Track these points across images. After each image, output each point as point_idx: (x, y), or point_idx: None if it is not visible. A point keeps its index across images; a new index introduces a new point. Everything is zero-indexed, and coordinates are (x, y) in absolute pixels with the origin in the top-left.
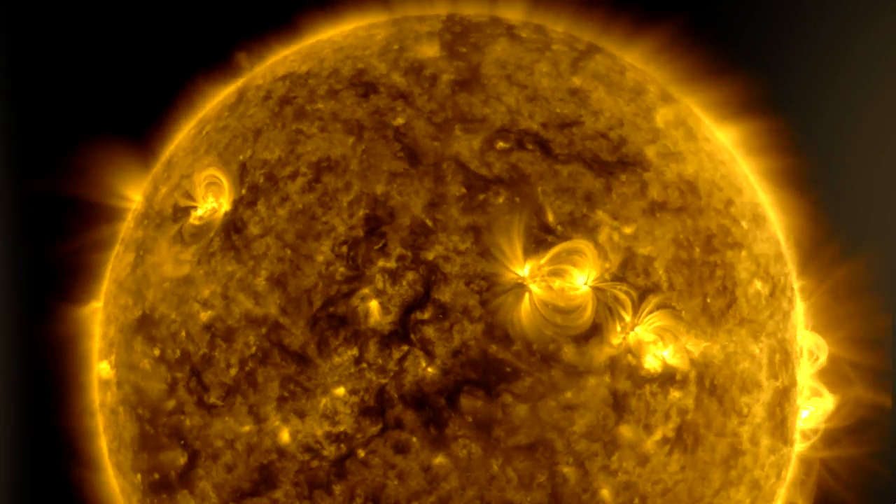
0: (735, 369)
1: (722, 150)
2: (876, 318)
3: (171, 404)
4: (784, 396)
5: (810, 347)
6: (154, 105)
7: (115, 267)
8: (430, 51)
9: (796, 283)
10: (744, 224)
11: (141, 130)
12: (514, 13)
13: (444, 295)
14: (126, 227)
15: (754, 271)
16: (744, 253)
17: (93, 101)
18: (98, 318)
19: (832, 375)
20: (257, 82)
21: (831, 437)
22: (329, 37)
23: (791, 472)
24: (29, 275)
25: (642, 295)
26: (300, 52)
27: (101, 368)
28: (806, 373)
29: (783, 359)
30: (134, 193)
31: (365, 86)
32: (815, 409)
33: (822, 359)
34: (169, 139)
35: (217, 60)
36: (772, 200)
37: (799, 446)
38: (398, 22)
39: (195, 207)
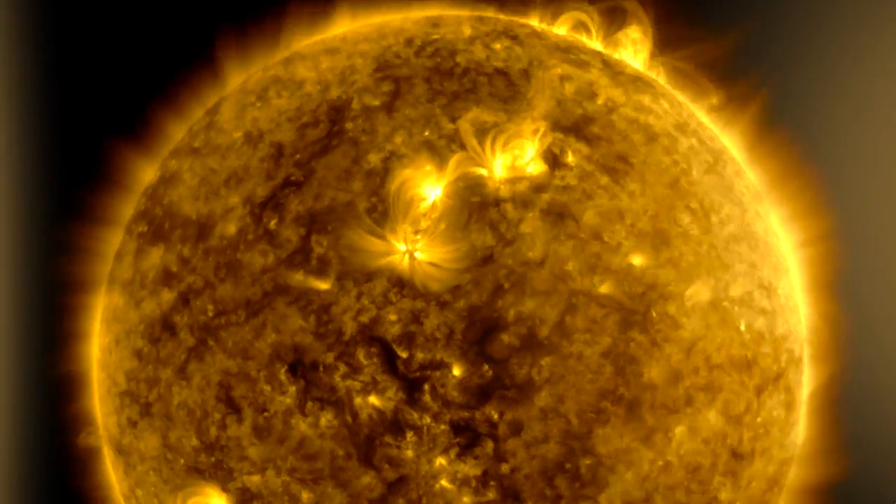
0: (570, 96)
1: (338, 37)
2: None
3: None
4: (609, 66)
5: (575, 25)
6: None
7: None
8: (154, 257)
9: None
10: (433, 36)
11: None
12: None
13: (390, 330)
14: None
15: (483, 43)
16: (462, 44)
17: None
18: None
19: (610, 19)
20: (113, 434)
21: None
22: (98, 345)
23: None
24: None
25: (467, 150)
26: (102, 385)
27: None
28: (597, 41)
29: (575, 51)
30: None
31: (164, 329)
32: (633, 51)
33: (591, 19)
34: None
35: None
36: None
37: (659, 78)
38: (113, 280)
39: None
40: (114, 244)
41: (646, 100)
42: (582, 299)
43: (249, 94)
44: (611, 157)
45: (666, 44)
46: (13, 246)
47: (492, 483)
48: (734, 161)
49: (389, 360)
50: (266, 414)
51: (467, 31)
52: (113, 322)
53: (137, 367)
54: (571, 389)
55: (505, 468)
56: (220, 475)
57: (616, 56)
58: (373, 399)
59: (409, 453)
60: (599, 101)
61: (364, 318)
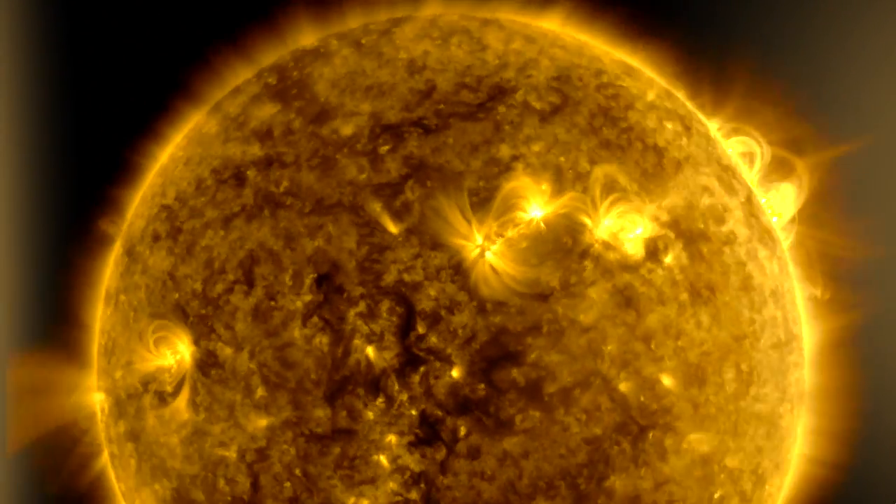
0: (702, 208)
1: (559, 36)
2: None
3: None
4: (750, 205)
5: (744, 152)
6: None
7: (119, 469)
8: (265, 111)
9: (693, 106)
10: (623, 83)
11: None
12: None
13: (424, 301)
14: (107, 427)
15: (659, 116)
16: (640, 105)
17: None
18: None
19: (776, 166)
20: (135, 233)
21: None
22: (169, 156)
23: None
24: None
25: (587, 194)
26: (153, 185)
27: None
28: (754, 176)
29: (730, 175)
30: (90, 396)
31: (234, 176)
32: (777, 205)
33: (761, 156)
34: (85, 329)
35: (83, 233)
36: (628, 51)
37: (785, 242)
38: (219, 108)
39: (162, 369)
40: (238, 78)
41: (762, 253)
42: (599, 383)
43: (435, 28)
44: (702, 281)
45: (810, 217)
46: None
47: (422, 486)
48: (801, 353)
49: (405, 327)
50: (273, 303)
51: (651, 96)
52: (195, 142)
53: (191, 193)
54: (541, 452)
55: (441, 481)
56: (200, 329)
57: (762, 199)
58: (370, 350)
59: (370, 415)
60: (723, 229)
61: (408, 278)
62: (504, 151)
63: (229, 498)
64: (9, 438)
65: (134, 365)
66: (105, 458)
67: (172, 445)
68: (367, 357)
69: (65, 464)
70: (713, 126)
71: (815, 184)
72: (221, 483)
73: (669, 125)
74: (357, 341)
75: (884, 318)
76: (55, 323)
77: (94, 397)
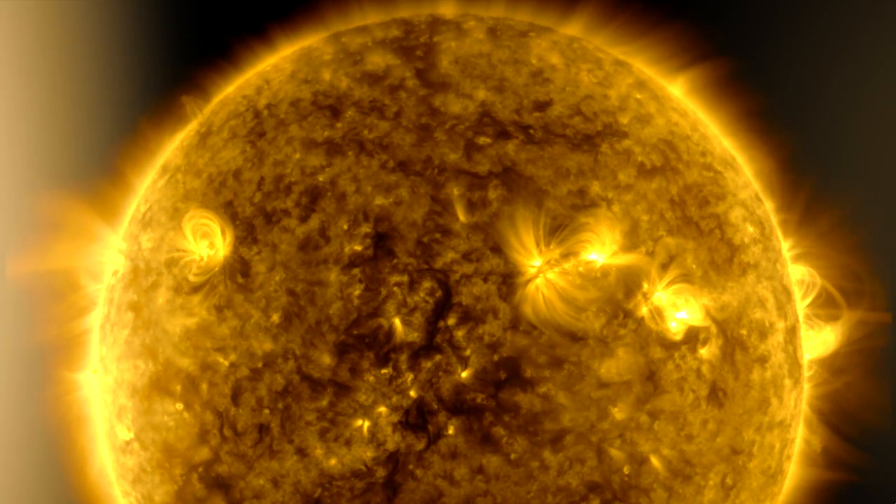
0: (751, 317)
1: (681, 104)
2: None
3: (205, 455)
4: (793, 334)
5: (800, 281)
6: (101, 155)
7: (108, 332)
8: (384, 59)
9: (776, 220)
10: (723, 171)
11: (92, 183)
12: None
13: (464, 297)
14: (112, 290)
15: (744, 216)
16: (730, 199)
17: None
18: (102, 387)
19: (825, 305)
20: (216, 122)
21: (835, 366)
22: (274, 64)
23: (805, 408)
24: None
25: (653, 259)
26: (249, 84)
27: (117, 434)
28: (802, 307)
29: (786, 298)
30: (107, 254)
31: (332, 108)
32: (814, 342)
33: (815, 290)
34: (128, 190)
35: (161, 103)
36: (737, 144)
37: (807, 383)
38: (338, 39)
39: (191, 257)
40: (366, 19)
41: (787, 382)
42: (594, 440)
43: (571, 49)
44: (724, 386)
45: (840, 369)
46: None
47: (390, 466)
48: (781, 488)
49: (437, 314)
50: (322, 240)
51: (744, 195)
52: (305, 61)
53: (284, 106)
54: (512, 481)
55: (410, 469)
56: (243, 235)
57: (803, 333)
58: (397, 321)
59: (371, 378)
60: (762, 346)
61: (458, 269)
62: (594, 188)
63: (205, 401)
64: (9, 263)
65: (166, 243)
66: (97, 317)
67: (172, 332)
68: (391, 326)
69: (55, 306)
70: (786, 245)
71: (854, 339)
72: (204, 385)
73: (751, 228)
74: (388, 307)
75: (872, 489)
76: (101, 175)
77: (112, 257)
